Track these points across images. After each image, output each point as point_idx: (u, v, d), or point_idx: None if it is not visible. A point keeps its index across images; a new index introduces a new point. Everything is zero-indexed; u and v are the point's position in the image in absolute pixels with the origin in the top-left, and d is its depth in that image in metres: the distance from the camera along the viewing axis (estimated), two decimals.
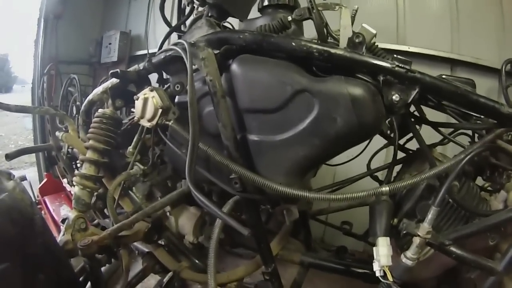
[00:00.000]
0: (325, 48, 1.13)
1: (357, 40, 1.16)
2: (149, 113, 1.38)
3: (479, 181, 1.51)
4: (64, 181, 3.14)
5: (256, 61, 1.25)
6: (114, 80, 1.63)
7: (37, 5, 4.57)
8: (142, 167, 1.71)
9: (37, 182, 3.99)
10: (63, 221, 2.86)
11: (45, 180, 3.69)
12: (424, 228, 1.13)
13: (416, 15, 3.24)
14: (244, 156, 1.26)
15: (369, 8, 3.36)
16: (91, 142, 1.63)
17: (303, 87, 1.14)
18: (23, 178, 3.29)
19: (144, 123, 1.41)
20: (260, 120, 1.25)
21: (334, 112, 1.10)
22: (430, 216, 1.13)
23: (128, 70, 1.57)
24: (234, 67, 1.26)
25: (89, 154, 1.64)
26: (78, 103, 3.16)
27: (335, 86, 1.11)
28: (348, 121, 1.09)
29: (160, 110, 1.36)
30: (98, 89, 1.73)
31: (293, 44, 1.16)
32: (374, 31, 1.20)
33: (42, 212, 3.27)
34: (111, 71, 1.55)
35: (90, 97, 1.80)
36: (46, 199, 3.45)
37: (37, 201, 3.47)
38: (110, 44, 4.82)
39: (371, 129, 1.15)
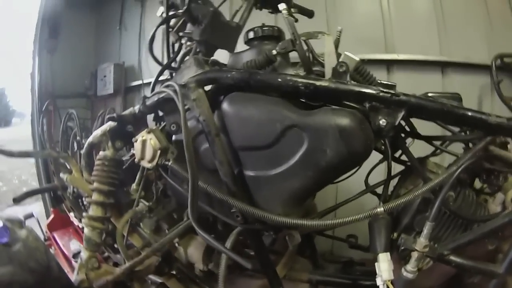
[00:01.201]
0: (310, 82, 1.17)
1: (341, 70, 1.21)
2: (148, 154, 1.43)
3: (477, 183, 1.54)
4: (71, 215, 3.18)
5: (245, 99, 1.30)
6: (112, 123, 1.68)
7: (31, 36, 4.67)
8: (147, 203, 1.75)
9: (44, 217, 4.02)
10: (75, 256, 2.91)
11: (52, 216, 3.72)
12: (421, 243, 1.16)
13: (402, 21, 3.25)
14: (243, 189, 1.31)
15: (355, 19, 3.39)
16: (95, 184, 1.68)
17: (292, 123, 1.18)
18: (30, 215, 3.33)
19: (145, 164, 1.46)
20: (254, 156, 1.29)
21: (323, 144, 1.14)
22: (425, 231, 1.16)
23: (124, 113, 1.63)
24: (225, 106, 1.31)
25: (95, 197, 1.69)
26: (78, 138, 3.22)
27: (323, 119, 1.15)
28: (338, 152, 1.13)
29: (159, 152, 1.42)
30: (97, 132, 1.77)
31: (279, 80, 1.21)
32: (357, 58, 1.24)
33: (52, 247, 3.30)
34: (108, 116, 1.60)
35: (90, 139, 1.84)
36: (55, 234, 3.48)
37: (46, 237, 3.49)
38: (105, 76, 4.87)
39: (361, 156, 1.19)
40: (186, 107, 1.30)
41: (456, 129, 1.50)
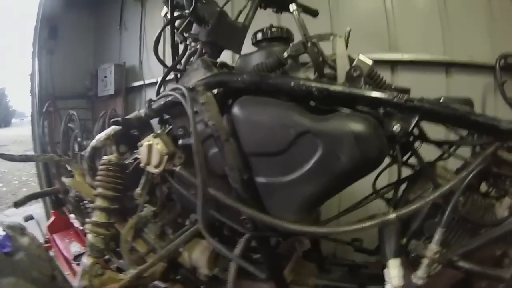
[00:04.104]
0: (324, 86, 1.14)
1: (355, 74, 1.19)
2: (154, 159, 1.40)
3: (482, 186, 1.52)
4: (71, 216, 3.15)
5: (256, 104, 1.26)
6: (116, 127, 1.65)
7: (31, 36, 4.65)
8: (152, 208, 1.71)
9: (43, 218, 3.99)
10: (76, 258, 2.89)
11: (53, 218, 3.69)
12: (432, 249, 1.16)
13: (406, 19, 3.23)
14: (253, 196, 1.27)
15: (358, 17, 3.38)
16: (99, 190, 1.64)
17: (306, 129, 1.14)
18: (30, 217, 3.30)
19: (151, 169, 1.43)
20: (265, 162, 1.25)
21: (338, 151, 1.11)
22: (437, 237, 1.17)
23: (129, 117, 1.59)
24: (236, 110, 1.27)
25: (99, 202, 1.65)
26: (79, 139, 3.19)
27: (337, 124, 1.12)
28: (352, 158, 1.09)
29: (166, 157, 1.38)
30: (101, 136, 1.74)
31: (292, 84, 1.18)
32: (370, 62, 1.22)
33: (52, 250, 3.28)
34: (112, 120, 1.56)
35: (93, 143, 1.81)
36: (56, 237, 3.45)
37: (46, 239, 3.47)
38: (105, 77, 4.86)
39: (375, 163, 1.16)
40: (194, 110, 1.27)
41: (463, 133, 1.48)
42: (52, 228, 3.55)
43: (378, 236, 1.29)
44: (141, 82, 4.66)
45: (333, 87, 1.14)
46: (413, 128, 1.13)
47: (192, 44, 1.74)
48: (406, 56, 3.12)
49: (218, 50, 1.61)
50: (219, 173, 1.34)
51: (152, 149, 1.40)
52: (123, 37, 5.02)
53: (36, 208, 4.72)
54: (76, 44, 5.03)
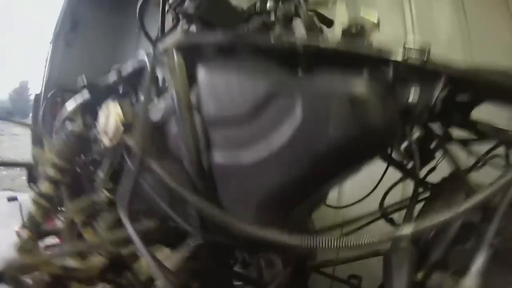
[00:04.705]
0: (313, 42, 0.88)
1: (354, 31, 0.92)
2: (110, 129, 1.18)
3: None
4: None
5: (224, 64, 1.02)
6: (86, 95, 1.49)
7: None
8: (108, 194, 1.49)
9: None
10: (47, 248, 2.72)
11: None
12: (470, 285, 0.73)
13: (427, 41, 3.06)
14: (210, 184, 1.00)
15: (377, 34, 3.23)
16: (53, 158, 1.48)
17: (281, 87, 0.86)
18: (14, 198, 3.16)
19: (105, 140, 1.21)
20: (227, 135, 0.96)
21: (325, 119, 0.79)
22: (476, 267, 0.72)
23: (98, 84, 1.43)
24: (200, 73, 1.03)
25: (48, 170, 1.49)
26: None
27: (326, 84, 0.83)
28: (346, 130, 0.78)
29: (122, 128, 1.16)
30: (71, 105, 1.58)
31: (273, 41, 0.94)
32: (376, 18, 0.95)
33: None
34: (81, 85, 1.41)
35: (64, 114, 1.65)
36: None
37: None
38: None
39: (381, 140, 0.85)
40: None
41: None
42: None
43: (383, 266, 0.95)
44: None
45: (323, 43, 0.87)
46: (436, 102, 0.80)
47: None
48: None
49: (209, 29, 1.44)
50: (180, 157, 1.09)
51: (109, 118, 1.20)
52: (141, 40, 4.93)
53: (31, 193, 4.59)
54: (95, 42, 5.02)
